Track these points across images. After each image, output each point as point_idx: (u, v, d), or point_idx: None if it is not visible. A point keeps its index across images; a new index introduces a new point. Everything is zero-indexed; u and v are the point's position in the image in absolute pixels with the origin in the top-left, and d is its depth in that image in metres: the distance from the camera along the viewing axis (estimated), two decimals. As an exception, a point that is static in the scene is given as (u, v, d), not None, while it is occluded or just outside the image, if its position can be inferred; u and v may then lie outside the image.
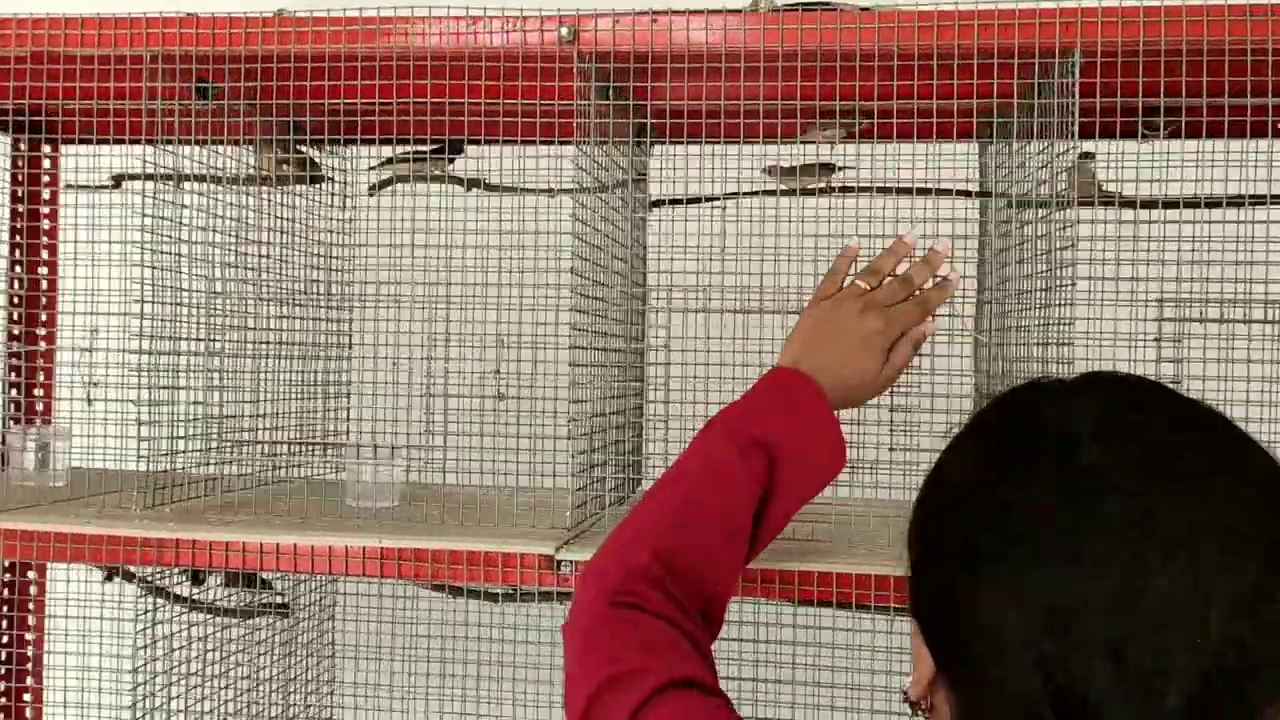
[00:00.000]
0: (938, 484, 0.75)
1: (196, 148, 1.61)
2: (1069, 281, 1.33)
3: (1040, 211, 1.43)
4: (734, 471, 1.00)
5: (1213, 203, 1.47)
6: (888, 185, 1.86)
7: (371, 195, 2.06)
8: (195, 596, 1.79)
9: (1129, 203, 1.44)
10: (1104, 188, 1.67)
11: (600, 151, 1.52)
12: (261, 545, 1.49)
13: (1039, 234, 1.44)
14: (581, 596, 0.96)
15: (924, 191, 1.86)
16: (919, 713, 1.20)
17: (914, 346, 1.15)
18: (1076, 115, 1.32)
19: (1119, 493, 0.64)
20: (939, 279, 1.21)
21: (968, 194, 1.75)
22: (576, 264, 1.44)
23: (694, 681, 0.85)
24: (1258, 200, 1.52)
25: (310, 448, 1.84)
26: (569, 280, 1.48)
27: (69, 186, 2.13)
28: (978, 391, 1.80)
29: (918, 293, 1.19)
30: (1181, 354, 1.42)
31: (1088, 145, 1.64)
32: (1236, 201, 1.44)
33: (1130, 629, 0.61)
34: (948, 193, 1.84)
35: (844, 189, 1.92)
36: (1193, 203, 1.44)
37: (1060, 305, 1.34)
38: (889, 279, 1.19)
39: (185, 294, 1.59)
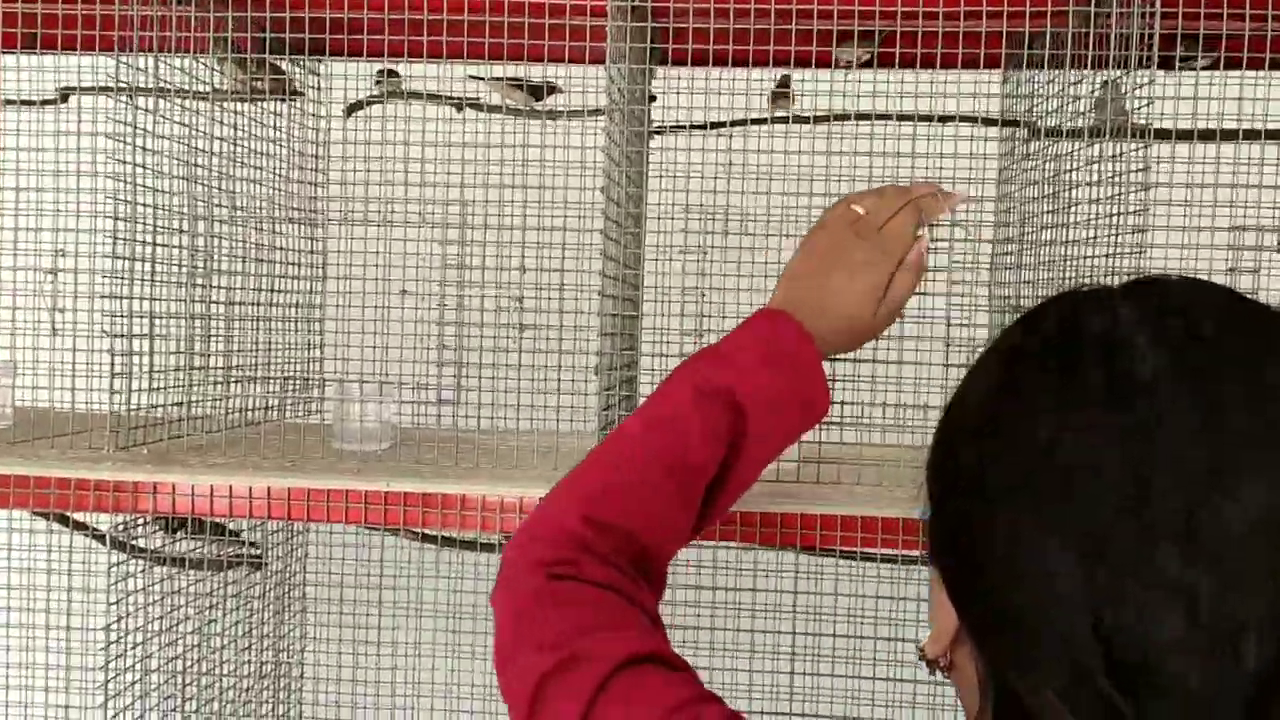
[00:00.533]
0: (961, 408, 0.64)
1: (176, 58, 1.44)
2: (1141, 208, 1.24)
3: (1087, 141, 1.33)
4: (689, 423, 0.89)
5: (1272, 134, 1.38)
6: (908, 114, 1.77)
7: (349, 116, 1.91)
8: (164, 549, 1.64)
9: (1207, 135, 1.34)
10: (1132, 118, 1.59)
11: (618, 71, 1.38)
12: (251, 490, 1.35)
13: (1095, 161, 1.35)
14: (514, 564, 0.85)
15: (949, 119, 1.77)
16: (937, 671, 1.10)
17: (916, 273, 0.99)
18: (1158, 35, 1.22)
19: (1182, 406, 0.53)
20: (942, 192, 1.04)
21: (1010, 123, 1.64)
22: (610, 188, 1.31)
23: (654, 656, 0.74)
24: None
25: (293, 386, 1.69)
26: (577, 208, 1.35)
27: (9, 102, 1.95)
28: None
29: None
30: (1258, 286, 1.33)
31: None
32: None
33: (1203, 567, 0.51)
34: (978, 120, 1.74)
35: (860, 116, 1.82)
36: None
37: (1131, 232, 1.25)
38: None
39: (162, 216, 1.43)
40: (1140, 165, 1.25)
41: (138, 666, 1.51)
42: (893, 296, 0.97)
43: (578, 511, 0.84)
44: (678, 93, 1.83)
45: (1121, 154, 1.29)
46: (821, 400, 0.95)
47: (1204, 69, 1.55)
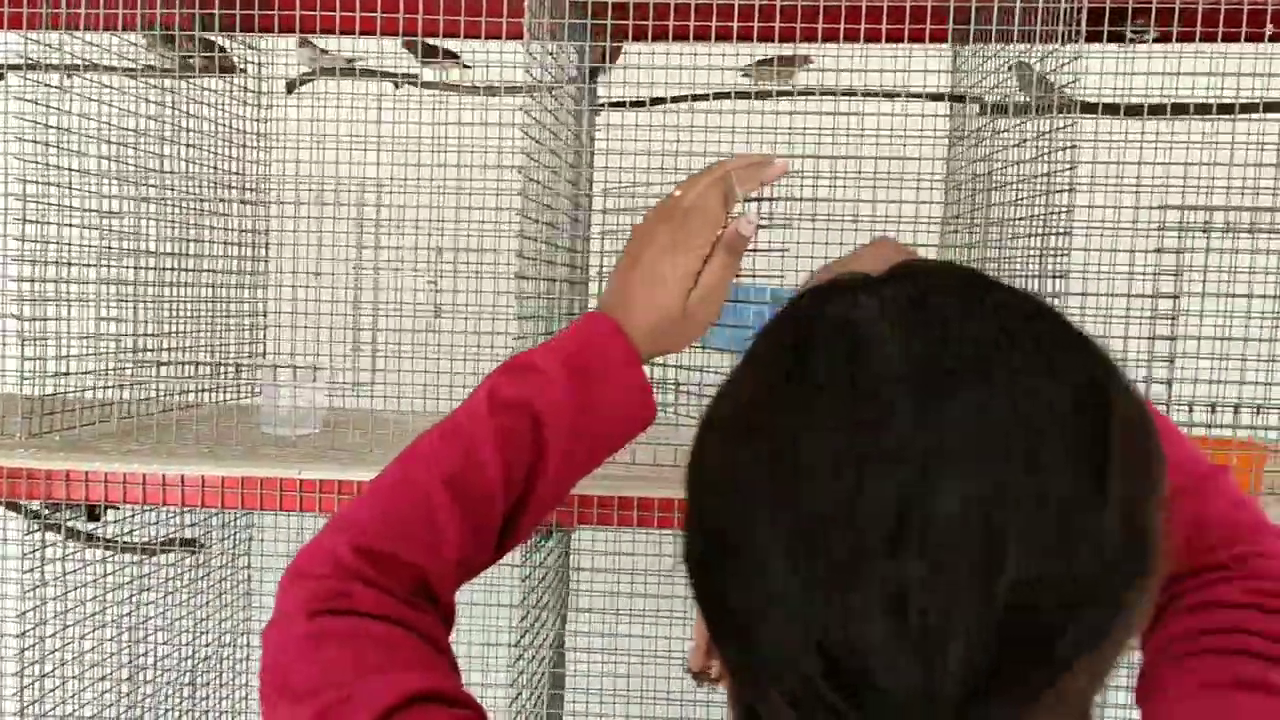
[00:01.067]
0: (714, 402, 0.59)
1: (99, 35, 1.41)
2: (1066, 187, 1.21)
3: (1011, 117, 1.30)
4: (482, 438, 0.81)
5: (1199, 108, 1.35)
6: (854, 89, 1.74)
7: (290, 93, 1.88)
8: (94, 531, 1.62)
9: (1134, 110, 1.30)
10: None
11: (540, 46, 1.35)
12: (164, 477, 1.33)
13: (1026, 139, 1.32)
14: (282, 603, 0.77)
15: (893, 95, 1.74)
16: (704, 683, 1.05)
17: (732, 254, 0.90)
18: (1085, 8, 1.19)
19: (902, 398, 0.50)
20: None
21: (956, 99, 1.61)
22: (527, 165, 1.28)
23: (432, 695, 0.68)
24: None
25: (222, 370, 1.66)
26: (506, 185, 1.32)
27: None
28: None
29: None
30: (1182, 264, 1.29)
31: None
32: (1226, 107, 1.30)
33: (909, 569, 0.48)
34: (918, 97, 1.70)
35: (805, 92, 1.78)
36: (1200, 107, 1.30)
37: (1056, 212, 1.22)
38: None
39: (76, 196, 1.41)
40: (1068, 143, 1.22)
41: (56, 655, 1.49)
42: (706, 282, 0.89)
43: (349, 541, 0.76)
44: (624, 68, 1.79)
45: (1051, 130, 1.25)
46: (638, 401, 0.86)
47: (1154, 42, 1.51)
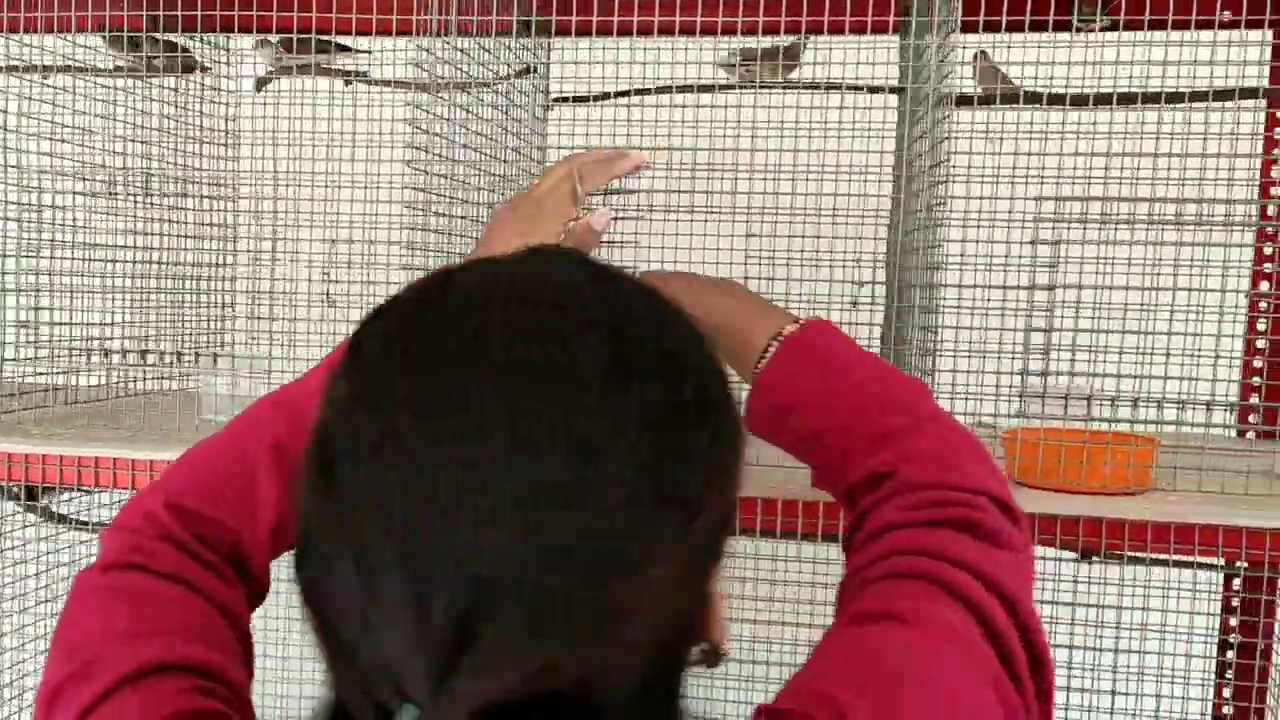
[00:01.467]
0: None
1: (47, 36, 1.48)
2: (944, 179, 1.20)
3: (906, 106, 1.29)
4: (308, 407, 0.75)
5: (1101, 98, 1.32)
6: (794, 82, 1.74)
7: (259, 91, 1.94)
8: (53, 511, 1.69)
9: (1011, 98, 1.28)
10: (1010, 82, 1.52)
11: (444, 43, 1.37)
12: (79, 460, 1.39)
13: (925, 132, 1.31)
14: (100, 554, 0.77)
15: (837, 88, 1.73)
16: None
17: (580, 246, 0.91)
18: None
19: (418, 373, 0.52)
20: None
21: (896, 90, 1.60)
22: (416, 159, 1.31)
23: (188, 666, 0.66)
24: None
25: (164, 358, 1.72)
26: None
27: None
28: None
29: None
30: (1059, 255, 1.27)
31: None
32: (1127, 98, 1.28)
33: (409, 536, 0.50)
34: (859, 89, 1.69)
35: (764, 85, 1.78)
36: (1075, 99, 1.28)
37: (928, 207, 1.21)
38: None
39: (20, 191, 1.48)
40: (944, 135, 1.21)
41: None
42: None
43: (165, 498, 0.76)
44: (576, 63, 1.81)
45: (943, 119, 1.25)
46: None
47: (1103, 29, 1.49)
